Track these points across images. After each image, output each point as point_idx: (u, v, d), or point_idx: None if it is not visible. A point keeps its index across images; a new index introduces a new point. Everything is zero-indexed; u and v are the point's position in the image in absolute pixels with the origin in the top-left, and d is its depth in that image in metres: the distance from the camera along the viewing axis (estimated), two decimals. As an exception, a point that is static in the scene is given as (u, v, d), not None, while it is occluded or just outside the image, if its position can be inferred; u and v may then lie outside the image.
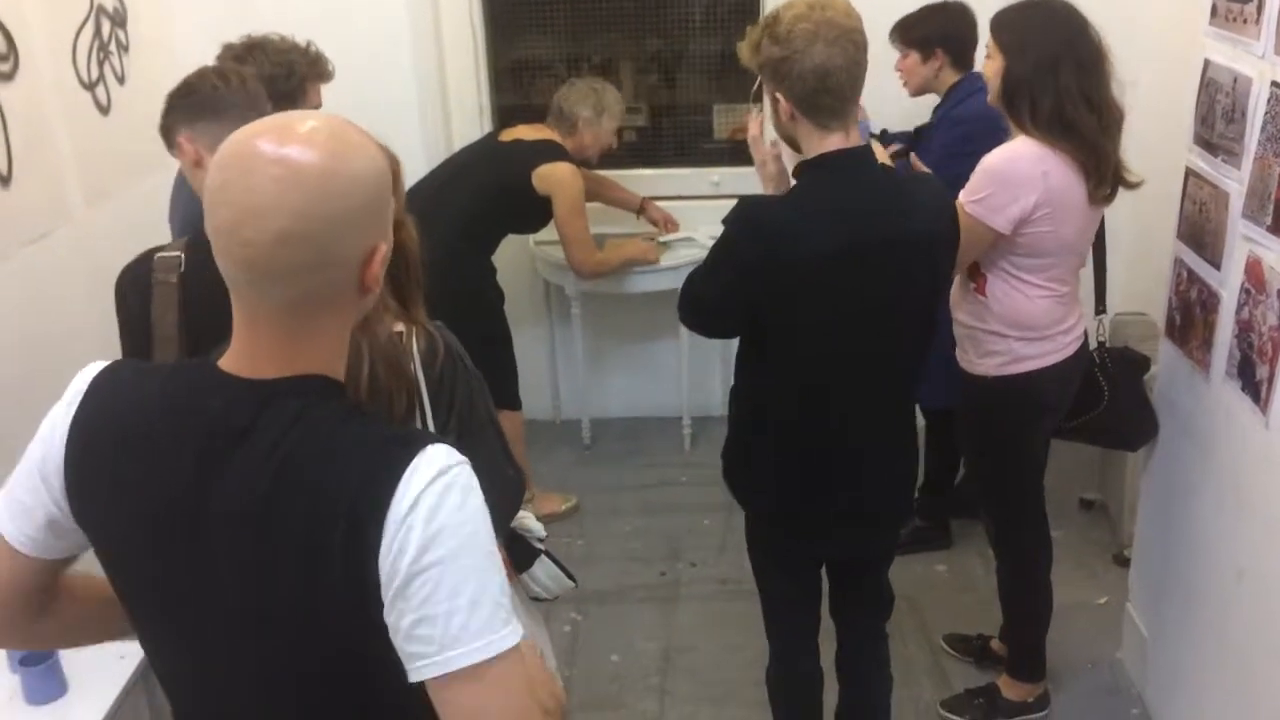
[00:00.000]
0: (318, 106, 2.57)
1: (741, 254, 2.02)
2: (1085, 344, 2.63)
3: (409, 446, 1.12)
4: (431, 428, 1.74)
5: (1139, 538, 2.99)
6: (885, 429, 2.21)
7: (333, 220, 1.10)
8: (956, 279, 2.55)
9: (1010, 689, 2.88)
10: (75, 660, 2.09)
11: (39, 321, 3.00)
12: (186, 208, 2.49)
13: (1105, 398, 2.63)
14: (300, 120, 1.13)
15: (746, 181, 4.16)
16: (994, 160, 2.40)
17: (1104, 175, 2.39)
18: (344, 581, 1.08)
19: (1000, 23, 2.45)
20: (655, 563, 3.64)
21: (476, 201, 3.52)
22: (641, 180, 4.20)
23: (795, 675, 2.50)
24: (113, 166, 3.34)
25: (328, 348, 1.20)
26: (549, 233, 4.11)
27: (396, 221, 1.73)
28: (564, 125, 3.64)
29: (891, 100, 3.35)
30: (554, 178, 3.52)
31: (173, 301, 2.09)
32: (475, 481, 1.15)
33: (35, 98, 3.06)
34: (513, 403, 3.74)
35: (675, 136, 4.49)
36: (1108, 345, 2.71)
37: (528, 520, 2.02)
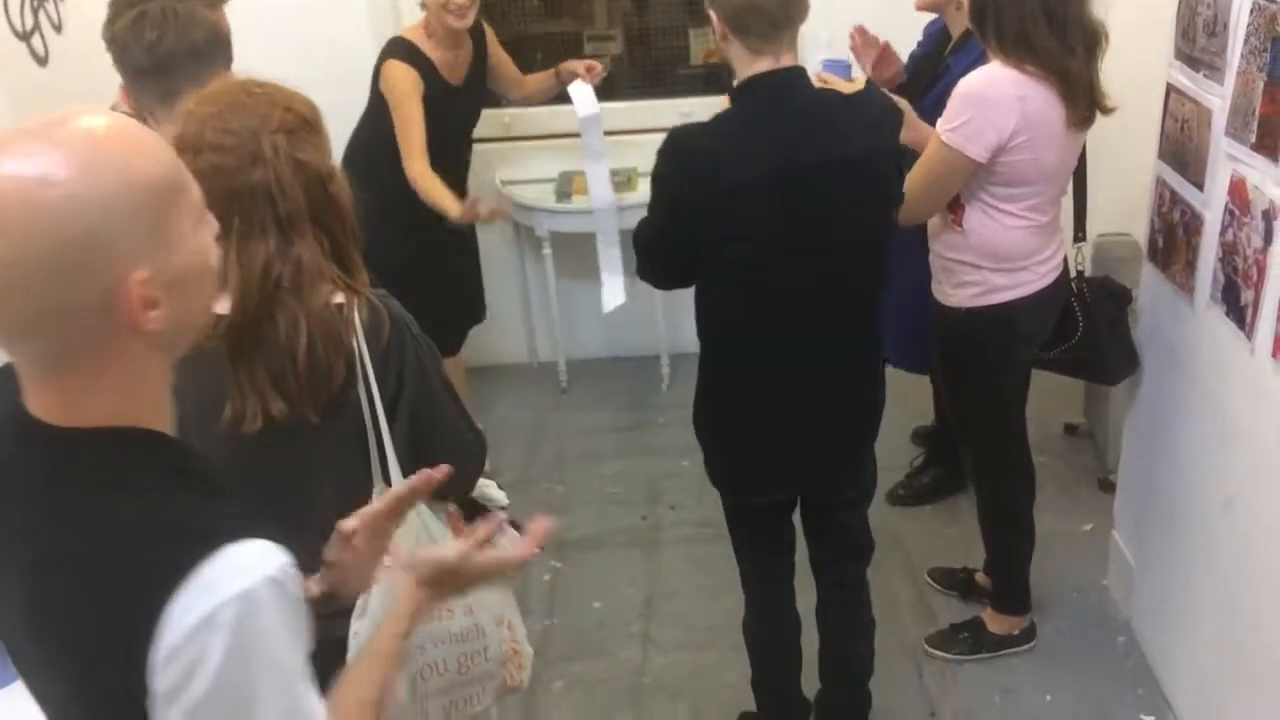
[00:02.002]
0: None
1: (671, 184, 2.00)
2: (1064, 273, 2.54)
3: (194, 552, 0.94)
4: (377, 401, 1.66)
5: (1124, 465, 2.94)
6: (835, 371, 2.14)
7: (40, 264, 0.91)
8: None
9: (995, 622, 2.85)
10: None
11: None
12: None
13: (1080, 329, 2.55)
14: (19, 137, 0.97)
15: (638, 116, 4.06)
16: (969, 85, 2.29)
17: (1076, 98, 2.28)
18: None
19: None
20: (636, 506, 3.58)
21: (363, 126, 3.33)
22: (604, 113, 4.05)
23: (770, 624, 2.46)
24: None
25: (120, 397, 1.01)
26: (515, 171, 4.01)
27: (326, 175, 1.65)
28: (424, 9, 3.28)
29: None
30: (386, 80, 3.22)
31: None
32: (275, 600, 0.97)
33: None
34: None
35: (649, 65, 4.34)
36: (1087, 274, 2.62)
37: (489, 489, 1.95)
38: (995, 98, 2.26)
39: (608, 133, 3.99)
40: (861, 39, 2.85)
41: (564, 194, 3.87)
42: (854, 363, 2.17)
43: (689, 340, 4.27)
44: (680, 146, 2.00)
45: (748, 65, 1.97)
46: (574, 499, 3.65)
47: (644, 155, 3.98)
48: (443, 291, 3.46)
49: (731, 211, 1.96)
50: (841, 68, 2.52)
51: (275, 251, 1.58)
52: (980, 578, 2.98)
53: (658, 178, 2.03)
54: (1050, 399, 3.73)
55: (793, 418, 2.15)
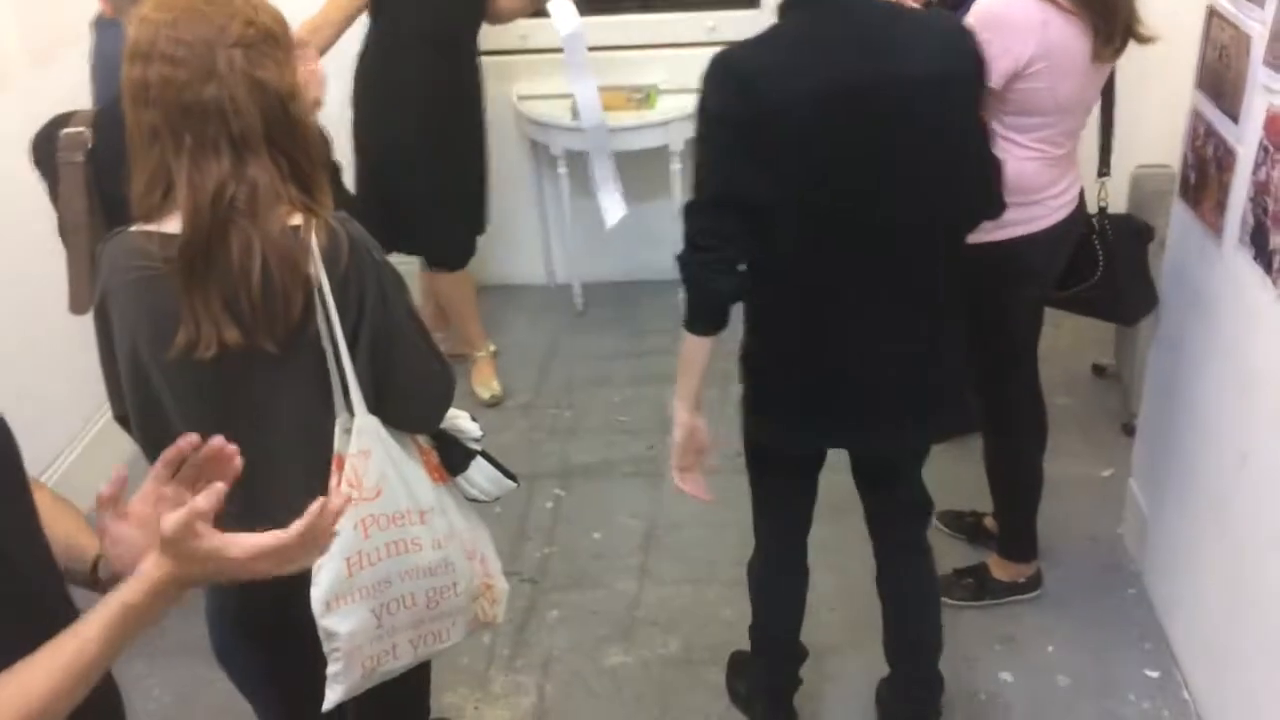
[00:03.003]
0: None
1: (726, 109, 1.75)
2: (1079, 208, 2.39)
3: None
4: (337, 329, 1.59)
5: (1144, 411, 2.82)
6: (918, 306, 1.93)
7: None
8: None
9: (1000, 569, 2.77)
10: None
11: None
12: (105, 58, 2.30)
13: (1100, 268, 2.41)
14: None
15: (747, 24, 3.91)
16: (988, 5, 2.14)
17: (1113, 30, 2.12)
18: None
19: None
20: (643, 435, 3.52)
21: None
22: (621, 27, 3.92)
23: (781, 574, 2.37)
24: (60, 26, 3.12)
25: None
26: (532, 85, 3.89)
27: (287, 94, 1.57)
28: None
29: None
30: None
31: (79, 184, 1.94)
32: None
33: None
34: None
35: None
36: (1109, 211, 2.47)
37: (460, 420, 1.88)
38: (1015, 20, 2.11)
39: (623, 47, 3.87)
40: None
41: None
42: (946, 293, 1.97)
43: (708, 266, 4.23)
44: (725, 61, 1.76)
45: None
46: (581, 425, 3.60)
47: (666, 71, 3.91)
48: (448, 195, 3.39)
49: (793, 132, 1.74)
50: None
51: (229, 172, 1.51)
52: (989, 522, 2.89)
53: (708, 108, 1.77)
54: (1079, 338, 3.61)
55: (884, 356, 1.94)
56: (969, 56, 1.83)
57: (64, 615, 1.19)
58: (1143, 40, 2.19)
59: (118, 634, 1.11)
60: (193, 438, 1.28)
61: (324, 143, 1.87)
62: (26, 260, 2.80)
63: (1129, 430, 3.20)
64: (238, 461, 1.31)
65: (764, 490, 2.28)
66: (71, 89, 2.54)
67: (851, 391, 1.98)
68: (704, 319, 1.92)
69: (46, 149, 2.01)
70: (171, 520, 1.11)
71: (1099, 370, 3.64)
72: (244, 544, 1.15)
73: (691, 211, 1.85)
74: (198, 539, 1.12)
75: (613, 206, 3.67)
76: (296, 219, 1.56)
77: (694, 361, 1.97)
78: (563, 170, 3.90)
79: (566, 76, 3.52)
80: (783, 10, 1.81)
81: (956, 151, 1.85)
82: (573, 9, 3.37)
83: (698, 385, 2.00)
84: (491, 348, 3.83)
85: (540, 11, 3.43)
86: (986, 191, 1.95)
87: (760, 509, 2.32)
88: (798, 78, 1.71)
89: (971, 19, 2.14)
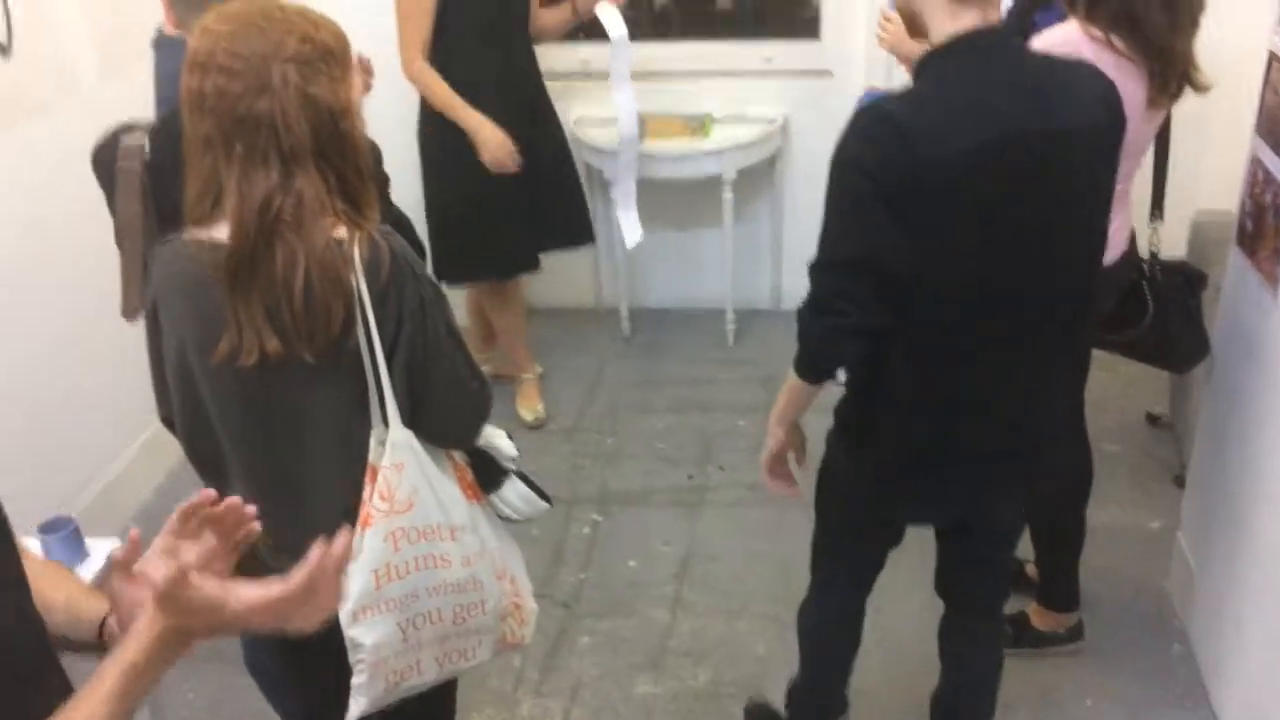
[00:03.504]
0: None
1: (872, 165, 1.61)
2: (1129, 251, 2.35)
3: None
4: (376, 341, 1.61)
5: (1194, 462, 2.76)
6: (1049, 367, 1.83)
7: None
8: None
9: (1040, 618, 2.71)
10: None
11: (39, 196, 2.93)
12: (167, 74, 2.36)
13: (1149, 314, 2.36)
14: None
15: (806, 56, 3.95)
16: (1043, 44, 2.11)
17: (1169, 77, 2.08)
18: None
19: None
20: (684, 464, 3.50)
21: None
22: (678, 54, 3.94)
23: (837, 626, 2.28)
24: (128, 37, 3.20)
25: None
26: (589, 109, 3.91)
27: (340, 110, 1.59)
28: None
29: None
30: None
31: (135, 192, 1.98)
32: None
33: (37, -36, 2.93)
34: (481, 273, 3.58)
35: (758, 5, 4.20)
36: (1161, 256, 2.42)
37: (497, 439, 1.88)
38: None
39: (680, 75, 3.89)
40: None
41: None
42: (1066, 352, 1.86)
43: (755, 295, 4.25)
44: (877, 115, 1.64)
45: (948, 21, 1.64)
46: (622, 451, 3.59)
47: (722, 100, 3.92)
48: (487, 222, 3.41)
49: (948, 192, 1.62)
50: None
51: (276, 183, 1.54)
52: (1031, 569, 2.83)
53: (856, 163, 1.64)
54: (1133, 386, 3.55)
55: (1007, 422, 1.83)
56: (1114, 108, 1.74)
57: (44, 666, 1.19)
58: (1199, 89, 2.15)
59: (124, 697, 1.07)
60: (210, 493, 1.24)
61: (374, 154, 1.89)
62: (82, 265, 2.86)
63: (1180, 482, 3.12)
64: (255, 525, 1.28)
65: (837, 546, 2.17)
66: (138, 100, 2.61)
67: (980, 460, 1.87)
68: (818, 376, 1.84)
69: (107, 158, 2.05)
70: (163, 573, 1.07)
71: (1153, 419, 3.57)
72: (243, 596, 1.11)
73: (820, 271, 1.72)
74: (192, 591, 1.08)
75: (632, 228, 3.67)
76: (341, 232, 1.57)
77: (798, 401, 1.90)
78: (615, 196, 3.90)
79: (611, 82, 3.51)
80: (930, 63, 1.69)
81: (1102, 205, 1.78)
82: (619, 16, 3.38)
83: (799, 413, 1.95)
84: (538, 370, 3.84)
85: (589, 34, 3.44)
86: (1103, 240, 1.85)
87: (825, 560, 2.21)
88: (960, 134, 1.60)
89: None
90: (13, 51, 2.85)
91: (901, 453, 1.86)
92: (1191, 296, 2.43)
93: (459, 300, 3.79)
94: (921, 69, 1.70)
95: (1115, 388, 3.54)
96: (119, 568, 1.20)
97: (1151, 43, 2.05)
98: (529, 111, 3.44)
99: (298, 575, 1.12)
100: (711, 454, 3.53)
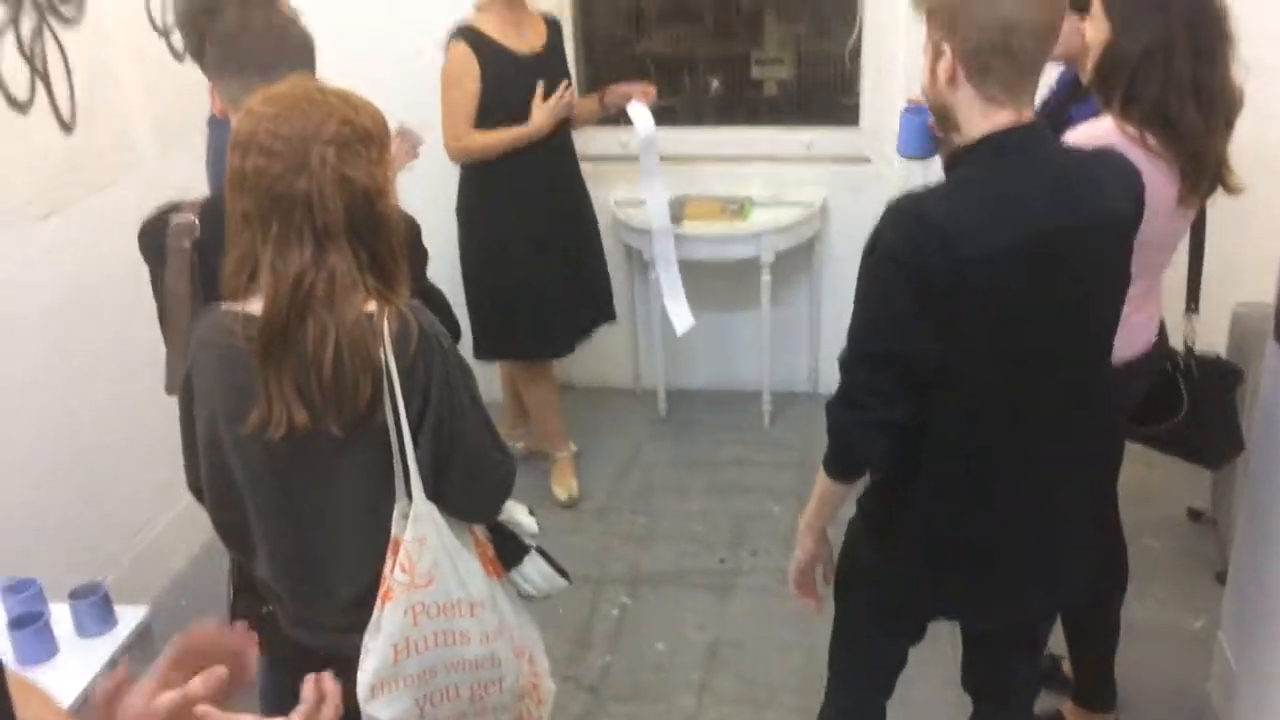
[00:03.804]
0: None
1: (908, 260, 1.61)
2: (1158, 343, 2.33)
3: None
4: (402, 414, 1.63)
5: (1234, 559, 2.69)
6: (1075, 460, 1.82)
7: None
8: None
9: (1076, 718, 2.63)
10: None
11: (93, 268, 3.00)
12: (218, 160, 2.43)
13: (1184, 408, 2.33)
14: None
15: (845, 142, 4.01)
16: (1077, 139, 2.12)
17: (1200, 178, 2.08)
18: None
19: None
20: (717, 548, 3.47)
21: None
22: (719, 139, 4.00)
23: (855, 717, 2.21)
24: (189, 114, 3.31)
25: None
26: (629, 192, 3.97)
27: (375, 191, 1.63)
28: None
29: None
30: (444, 64, 3.30)
31: (185, 269, 2.03)
32: None
33: (101, 43, 3.05)
34: (517, 352, 3.62)
35: (811, 89, 4.31)
36: (1197, 350, 2.39)
37: (519, 514, 1.89)
38: None
39: (720, 159, 3.96)
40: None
41: (675, 218, 3.80)
42: (1093, 442, 1.86)
43: (792, 378, 4.25)
44: (912, 211, 1.64)
45: (980, 118, 1.65)
46: (655, 532, 3.57)
47: (761, 183, 3.97)
48: (523, 303, 3.46)
49: (983, 290, 1.62)
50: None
51: (310, 260, 1.58)
52: (1067, 666, 2.76)
53: (891, 258, 1.63)
54: (1174, 480, 3.47)
55: (1033, 516, 1.82)
56: (1134, 197, 1.75)
57: None
58: (1231, 190, 2.15)
59: None
60: (210, 630, 1.23)
61: (412, 231, 1.93)
62: (130, 336, 2.92)
63: (1222, 579, 3.04)
64: (252, 674, 1.27)
65: (855, 639, 2.11)
66: (196, 176, 2.69)
67: (1005, 555, 1.84)
68: (848, 472, 1.83)
69: (155, 235, 2.10)
70: (165, 698, 1.07)
71: (1195, 515, 3.50)
72: None
73: (850, 365, 1.71)
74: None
75: (681, 314, 3.70)
76: (371, 306, 1.61)
77: (830, 503, 1.88)
78: (654, 275, 3.94)
79: (641, 180, 3.59)
80: (963, 158, 1.70)
81: (1121, 293, 1.79)
82: (649, 114, 3.47)
83: (829, 520, 1.92)
84: (572, 448, 3.85)
85: (628, 118, 3.52)
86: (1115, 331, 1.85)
87: (845, 655, 2.15)
88: (993, 234, 1.60)
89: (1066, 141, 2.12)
90: (76, 128, 2.96)
91: (925, 546, 1.84)
92: (1227, 393, 2.39)
93: (493, 375, 3.83)
94: (955, 164, 1.71)
95: (1155, 481, 3.47)
96: (102, 705, 1.14)
97: (1185, 143, 2.05)
98: (566, 195, 3.52)
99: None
100: (744, 538, 3.50)
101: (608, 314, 3.77)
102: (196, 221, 2.03)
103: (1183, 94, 2.04)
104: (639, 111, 3.46)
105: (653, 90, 3.53)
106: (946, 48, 1.64)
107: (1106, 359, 1.82)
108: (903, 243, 1.63)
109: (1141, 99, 2.06)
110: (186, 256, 2.03)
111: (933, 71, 1.67)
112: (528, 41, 3.34)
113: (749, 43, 4.44)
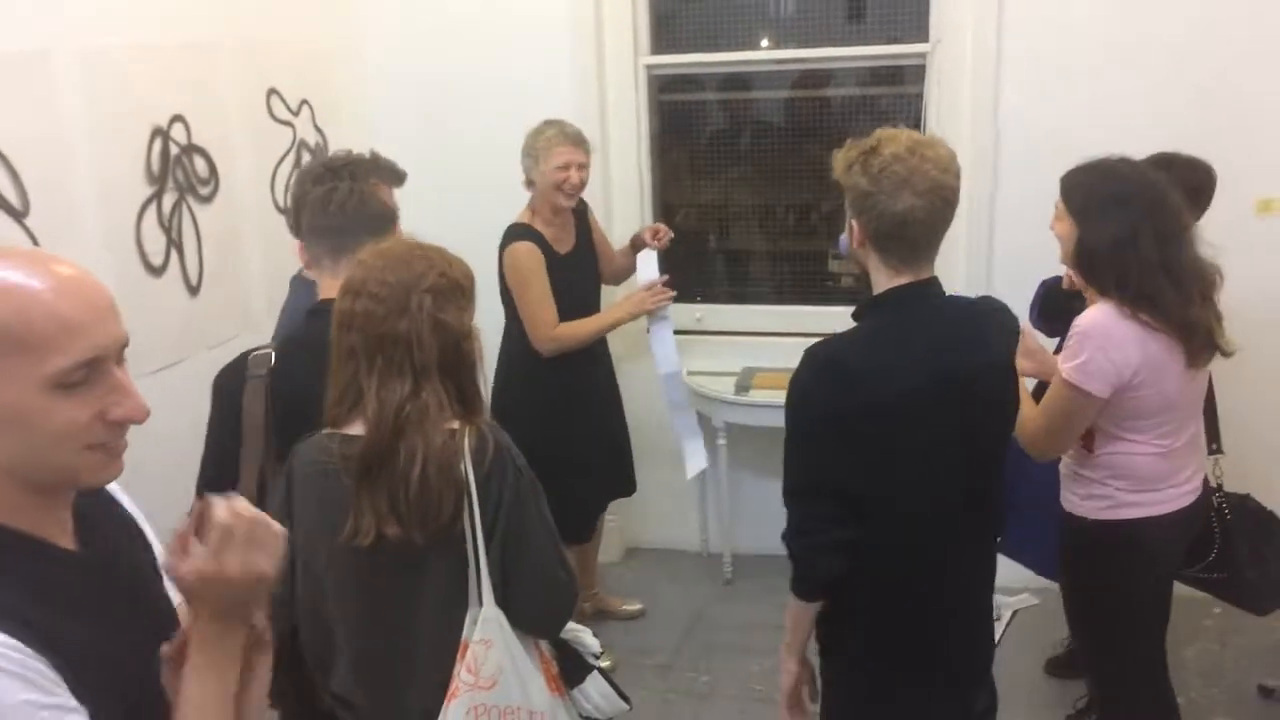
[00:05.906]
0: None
1: (823, 402, 1.86)
2: (1206, 493, 2.43)
3: None
4: (478, 524, 1.79)
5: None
6: (980, 574, 2.08)
7: None
8: None
9: None
10: None
11: (198, 421, 3.23)
12: (293, 307, 2.71)
13: (1215, 548, 2.40)
14: None
15: (824, 321, 4.14)
16: (1089, 322, 2.30)
17: (1195, 344, 2.27)
18: None
19: (1071, 186, 2.38)
20: (778, 707, 3.50)
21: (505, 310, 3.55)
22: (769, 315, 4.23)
23: None
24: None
25: None
26: (701, 363, 4.19)
27: (464, 334, 1.86)
28: (531, 190, 3.52)
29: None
30: (508, 261, 3.44)
31: (261, 394, 2.25)
32: None
33: (232, 220, 3.39)
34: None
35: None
36: (1225, 490, 2.49)
37: (583, 635, 2.02)
38: (1119, 335, 2.26)
39: (787, 333, 4.16)
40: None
41: (744, 388, 4.00)
42: (989, 558, 2.11)
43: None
44: (826, 357, 1.90)
45: (885, 278, 1.92)
46: (717, 690, 3.62)
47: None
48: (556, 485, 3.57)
49: (894, 425, 1.86)
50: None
51: (408, 393, 1.79)
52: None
53: (808, 400, 1.88)
54: (1245, 657, 3.46)
55: (954, 640, 2.05)
56: (1014, 335, 2.02)
57: None
58: (1224, 353, 2.32)
59: (218, 685, 1.22)
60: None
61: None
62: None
63: (1292, 757, 3.01)
64: None
65: None
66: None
67: (937, 665, 2.03)
68: (814, 593, 2.02)
69: (234, 373, 2.32)
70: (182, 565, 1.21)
71: (1266, 691, 3.44)
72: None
73: (791, 498, 1.95)
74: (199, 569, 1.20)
75: (695, 457, 3.84)
76: (455, 424, 1.82)
77: (803, 625, 2.07)
78: (722, 442, 4.11)
79: (649, 334, 3.73)
80: (870, 308, 1.95)
81: (1010, 418, 2.05)
82: (655, 259, 3.66)
83: (806, 640, 2.10)
84: (638, 605, 3.98)
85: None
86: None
87: None
88: (900, 375, 1.84)
89: (1075, 336, 2.30)
90: (201, 292, 3.28)
91: (866, 661, 2.02)
92: (1266, 543, 2.46)
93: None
94: (864, 313, 1.97)
95: (1228, 659, 3.45)
96: (172, 663, 1.27)
97: (1170, 316, 2.24)
98: (603, 372, 3.75)
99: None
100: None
101: (628, 488, 3.90)
102: (273, 354, 2.27)
103: (1156, 275, 2.25)
104: (646, 257, 3.64)
105: (664, 232, 3.70)
106: (855, 225, 1.92)
107: (1000, 467, 2.03)
108: (817, 386, 1.88)
109: (1126, 284, 2.27)
110: (263, 382, 2.25)
111: (850, 233, 1.95)
112: (565, 241, 3.58)
113: (826, 238, 4.67)
